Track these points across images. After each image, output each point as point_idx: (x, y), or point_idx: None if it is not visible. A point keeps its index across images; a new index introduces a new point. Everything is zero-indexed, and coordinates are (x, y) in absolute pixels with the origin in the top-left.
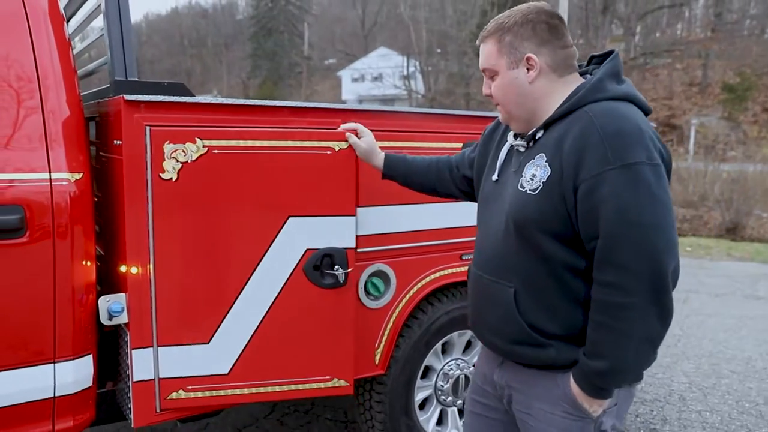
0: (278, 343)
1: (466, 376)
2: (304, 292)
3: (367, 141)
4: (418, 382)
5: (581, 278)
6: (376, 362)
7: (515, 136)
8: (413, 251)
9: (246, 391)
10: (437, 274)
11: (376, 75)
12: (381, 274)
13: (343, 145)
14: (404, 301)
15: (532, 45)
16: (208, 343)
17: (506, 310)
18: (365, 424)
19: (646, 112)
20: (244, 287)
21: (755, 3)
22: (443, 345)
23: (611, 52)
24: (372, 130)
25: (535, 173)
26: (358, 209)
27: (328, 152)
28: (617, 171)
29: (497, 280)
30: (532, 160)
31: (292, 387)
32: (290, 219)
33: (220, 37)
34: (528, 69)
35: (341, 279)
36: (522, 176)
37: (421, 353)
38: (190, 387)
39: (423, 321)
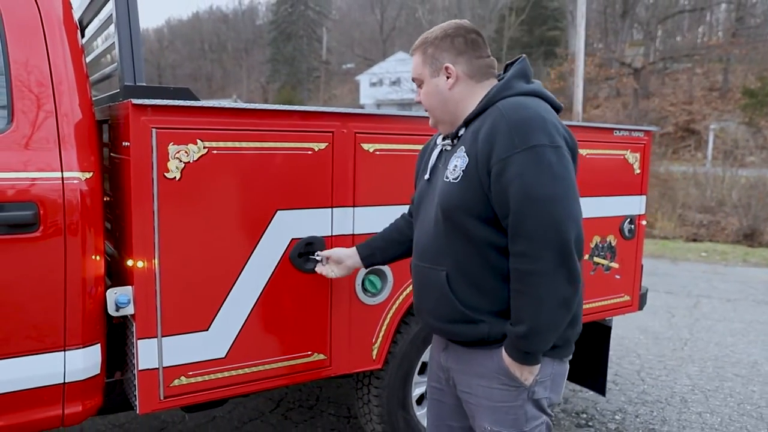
0: (267, 324)
1: None
2: (289, 278)
3: (339, 266)
4: (416, 377)
5: (505, 256)
6: (374, 357)
7: (443, 139)
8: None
9: (240, 371)
10: None
11: (395, 79)
12: (378, 272)
13: (322, 146)
14: (401, 298)
15: (450, 56)
16: (207, 330)
17: (441, 292)
18: (364, 418)
19: (556, 107)
20: (239, 276)
21: None
22: None
23: (519, 57)
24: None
25: (457, 164)
26: (355, 209)
27: (309, 152)
28: (522, 153)
29: (432, 266)
30: (455, 154)
31: (279, 364)
32: (278, 212)
33: (240, 42)
34: (447, 77)
35: (323, 263)
36: (447, 169)
37: (419, 349)
38: (191, 372)
39: (418, 319)
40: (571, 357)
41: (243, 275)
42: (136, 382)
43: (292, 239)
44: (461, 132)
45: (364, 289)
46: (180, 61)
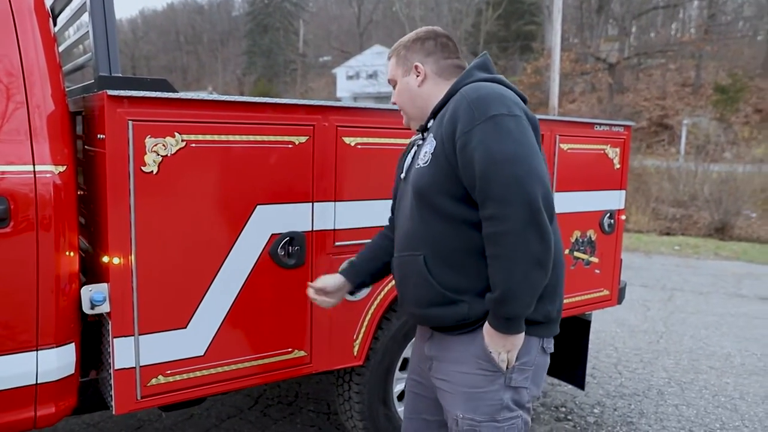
0: (247, 321)
1: None
2: (269, 274)
3: (332, 296)
4: (397, 373)
5: (476, 230)
6: (355, 353)
7: (416, 134)
8: None
9: (220, 369)
10: None
11: (371, 72)
12: None
13: (302, 139)
14: (383, 294)
15: (420, 56)
16: (186, 327)
17: (420, 277)
18: (344, 414)
19: (520, 97)
20: (218, 272)
21: (748, 5)
22: None
23: (482, 54)
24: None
25: (426, 149)
26: (336, 203)
27: (290, 146)
28: (482, 123)
29: (410, 253)
30: (426, 142)
31: (259, 362)
32: (258, 207)
33: (216, 34)
34: (417, 75)
35: (302, 259)
36: (418, 158)
37: (400, 345)
38: (168, 371)
39: (401, 314)
40: (552, 346)
41: (222, 271)
42: (112, 382)
43: (272, 234)
44: (430, 123)
45: None
46: (154, 53)
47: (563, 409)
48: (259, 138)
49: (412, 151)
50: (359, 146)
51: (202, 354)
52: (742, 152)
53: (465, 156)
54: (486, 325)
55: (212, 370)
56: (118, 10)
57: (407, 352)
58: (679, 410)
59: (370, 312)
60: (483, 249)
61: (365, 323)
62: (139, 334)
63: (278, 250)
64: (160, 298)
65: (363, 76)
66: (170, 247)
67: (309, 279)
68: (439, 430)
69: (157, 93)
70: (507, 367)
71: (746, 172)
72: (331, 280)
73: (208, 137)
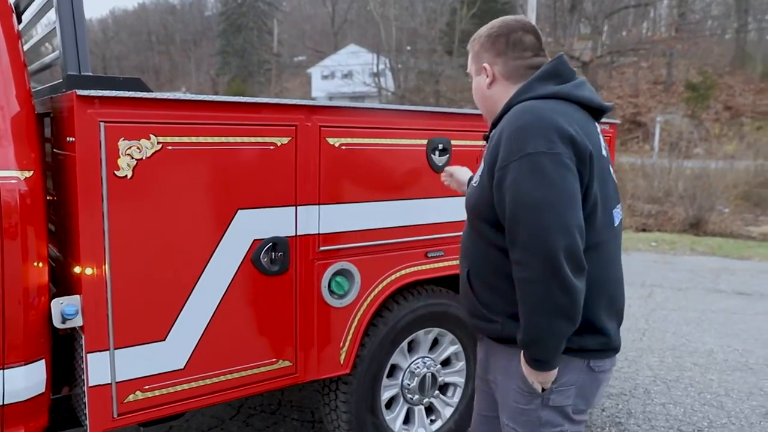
0: (229, 331)
1: (432, 375)
2: (252, 281)
3: (457, 179)
4: (384, 380)
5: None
6: (341, 362)
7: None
8: (378, 249)
9: (201, 383)
10: (402, 272)
11: (346, 72)
12: (345, 273)
13: (285, 140)
14: (369, 299)
15: (490, 56)
16: (165, 339)
17: (465, 288)
18: (331, 424)
19: (595, 107)
20: (198, 281)
21: (716, 4)
22: (409, 343)
23: (556, 56)
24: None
25: (480, 168)
26: (321, 207)
27: (271, 147)
28: (518, 161)
29: (462, 263)
30: (483, 157)
31: (243, 373)
32: (239, 212)
33: (189, 34)
34: (486, 77)
35: (286, 265)
36: (476, 173)
37: (387, 352)
38: (147, 386)
39: (389, 319)
40: (605, 364)
41: (202, 280)
42: (86, 400)
43: (255, 240)
44: (491, 134)
45: (331, 291)
46: (126, 53)
47: None
48: (239, 139)
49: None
50: (344, 147)
51: (182, 367)
52: (713, 148)
53: (500, 192)
54: (521, 355)
55: (193, 384)
56: (87, 10)
57: (394, 359)
58: (667, 409)
59: (357, 318)
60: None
61: (352, 330)
62: (115, 348)
63: (261, 256)
64: (136, 310)
65: (338, 75)
66: (146, 255)
67: (293, 286)
68: (494, 425)
69: (131, 93)
70: (543, 390)
71: (718, 168)
72: (463, 179)
73: (186, 139)
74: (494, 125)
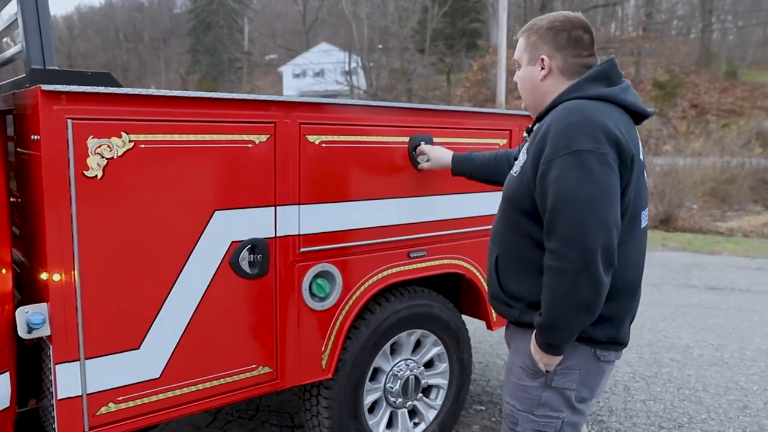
0: (207, 338)
1: (416, 377)
2: (230, 285)
3: (432, 158)
4: (367, 384)
5: (543, 250)
6: (323, 366)
7: (526, 131)
8: (360, 250)
9: (178, 392)
10: (385, 273)
11: (318, 71)
12: (326, 275)
13: (263, 138)
14: (351, 301)
15: (549, 49)
16: (139, 348)
17: (491, 271)
18: (312, 430)
19: (638, 112)
20: (173, 285)
21: (681, 4)
22: (392, 345)
23: (609, 58)
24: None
25: (521, 158)
26: (301, 207)
27: (249, 145)
28: (565, 157)
29: (491, 246)
30: (524, 148)
31: (221, 381)
32: (216, 213)
33: (157, 32)
34: (541, 68)
35: (265, 267)
36: (517, 162)
37: (370, 355)
38: (120, 398)
39: (371, 322)
40: (611, 356)
41: (178, 284)
42: (55, 413)
43: (233, 242)
44: (536, 126)
45: (312, 294)
46: (93, 51)
47: None
48: (215, 137)
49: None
50: (324, 144)
51: (158, 376)
52: (681, 146)
53: (542, 185)
54: (532, 335)
55: (170, 393)
56: (52, 6)
57: (377, 362)
58: (647, 406)
59: (338, 322)
60: (541, 267)
61: (333, 334)
62: (86, 359)
63: (239, 259)
64: (108, 318)
65: (310, 74)
66: (119, 259)
67: (273, 289)
68: None
69: (100, 88)
70: (547, 371)
71: (686, 165)
72: (439, 154)
73: (159, 137)
74: (539, 119)
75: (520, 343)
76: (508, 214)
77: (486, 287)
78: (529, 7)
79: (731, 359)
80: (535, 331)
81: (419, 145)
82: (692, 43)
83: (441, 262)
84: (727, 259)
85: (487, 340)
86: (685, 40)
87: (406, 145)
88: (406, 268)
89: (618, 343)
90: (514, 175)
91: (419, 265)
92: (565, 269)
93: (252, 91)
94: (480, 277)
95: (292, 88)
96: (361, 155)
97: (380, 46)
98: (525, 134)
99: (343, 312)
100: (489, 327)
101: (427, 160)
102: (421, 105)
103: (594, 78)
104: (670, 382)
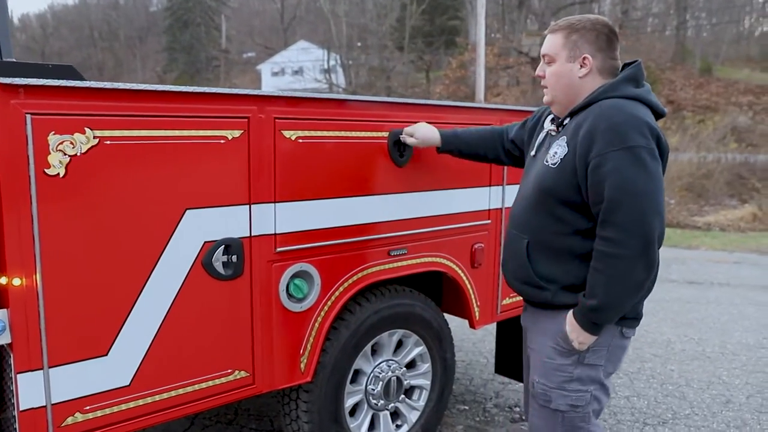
0: (180, 342)
1: (397, 378)
2: (203, 287)
3: (418, 137)
4: (348, 387)
5: (580, 236)
6: (302, 370)
7: (551, 122)
8: (338, 248)
9: (150, 400)
10: (364, 272)
11: (297, 69)
12: (304, 275)
13: (236, 133)
14: (330, 302)
15: (592, 48)
16: (107, 354)
17: (520, 257)
18: None
19: (658, 112)
20: (143, 288)
21: (656, 2)
22: (373, 346)
23: (635, 61)
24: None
25: (557, 151)
26: (277, 205)
27: (222, 141)
28: (620, 151)
29: (518, 233)
30: (557, 141)
31: (196, 387)
32: (187, 212)
33: (133, 30)
34: (581, 66)
35: (240, 268)
36: (548, 153)
37: (350, 357)
38: (87, 407)
39: (351, 322)
40: (632, 331)
41: (148, 287)
42: (17, 425)
43: (205, 242)
44: (566, 121)
45: (290, 295)
46: (67, 50)
47: (518, 409)
48: (185, 133)
49: (543, 133)
50: (300, 140)
51: (128, 384)
52: None
53: (596, 176)
54: (570, 316)
55: (140, 401)
56: (25, 4)
57: (358, 364)
58: (631, 402)
59: (317, 323)
60: (580, 253)
61: (312, 336)
62: (49, 367)
63: (213, 259)
64: (73, 323)
65: (288, 72)
66: (84, 262)
67: (249, 290)
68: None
69: (62, 81)
70: (580, 350)
71: None
72: (426, 132)
73: (126, 133)
74: (572, 113)
75: (550, 324)
76: (542, 203)
77: (515, 271)
78: (507, 4)
79: (713, 353)
80: (572, 311)
81: (398, 138)
82: (667, 40)
83: (422, 260)
84: (706, 254)
85: (470, 338)
86: (660, 37)
87: (386, 141)
88: (387, 266)
89: (639, 317)
90: (552, 166)
91: (400, 264)
92: (623, 255)
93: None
94: (462, 275)
95: (270, 87)
96: (340, 151)
97: (359, 44)
98: (550, 125)
99: (322, 313)
100: (472, 325)
101: (413, 138)
102: (401, 99)
103: (628, 79)
104: (653, 378)
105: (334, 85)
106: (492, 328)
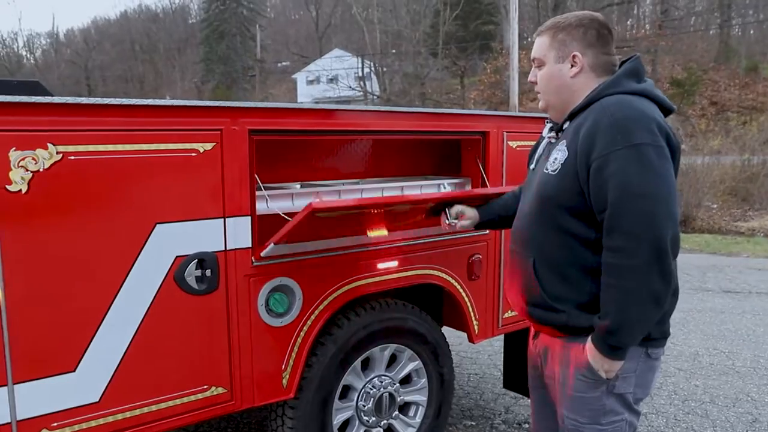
0: (152, 358)
1: (390, 394)
2: (176, 302)
3: (470, 218)
4: (337, 403)
5: (591, 250)
6: (284, 385)
7: (549, 130)
8: (321, 262)
9: (120, 416)
10: (350, 286)
11: (332, 77)
12: (284, 289)
13: (208, 146)
14: (313, 316)
15: (580, 45)
16: (75, 370)
17: (527, 277)
18: None
19: (666, 107)
20: (111, 304)
21: (699, 0)
22: (364, 361)
23: (633, 56)
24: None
25: (557, 157)
26: (253, 218)
27: (194, 154)
28: (624, 150)
29: (523, 251)
30: (557, 147)
31: (170, 403)
32: (158, 226)
33: (173, 42)
34: (572, 65)
35: (215, 283)
36: (548, 161)
37: (338, 372)
38: (55, 424)
39: (338, 337)
40: (660, 352)
41: (117, 302)
42: None
43: (177, 257)
44: (565, 125)
45: (269, 310)
46: (109, 63)
47: (527, 426)
48: (154, 147)
49: (544, 143)
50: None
51: (97, 400)
52: (699, 144)
53: (599, 179)
54: (590, 342)
55: (110, 418)
56: (70, 20)
57: (347, 380)
58: (648, 419)
59: (300, 338)
60: (591, 266)
61: (295, 351)
62: (15, 383)
63: (185, 274)
64: (39, 339)
65: (323, 80)
66: (49, 278)
67: (225, 305)
68: (553, 421)
69: (22, 97)
70: (608, 378)
71: (705, 164)
72: (470, 211)
73: (92, 148)
74: (572, 116)
75: (570, 353)
76: (546, 215)
77: (523, 294)
78: (542, 7)
79: (743, 368)
80: (591, 337)
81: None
82: (711, 39)
83: (414, 273)
84: (747, 261)
85: (486, 350)
86: (703, 36)
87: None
88: (375, 280)
89: (666, 336)
90: (552, 173)
91: (389, 277)
92: (634, 266)
93: (266, 98)
94: (459, 287)
95: (305, 95)
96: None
97: (393, 51)
98: (549, 133)
99: (305, 328)
100: (471, 340)
101: (462, 218)
102: (373, 107)
103: (629, 74)
104: (675, 394)
105: (369, 93)
106: None
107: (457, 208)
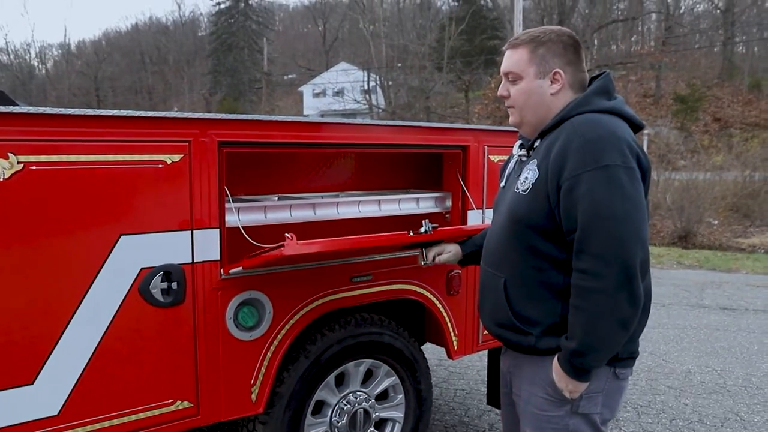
0: (115, 371)
1: (365, 410)
2: (140, 314)
3: (450, 252)
4: (309, 419)
5: (561, 271)
6: (253, 400)
7: (520, 147)
8: (292, 275)
9: (80, 430)
10: (322, 300)
11: (338, 90)
12: (254, 302)
13: (176, 158)
14: (284, 331)
15: (561, 62)
16: (33, 383)
17: (497, 297)
18: None
19: (636, 125)
20: (72, 316)
21: (703, 18)
22: (338, 377)
23: (603, 72)
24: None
25: (527, 176)
26: (222, 230)
27: (160, 166)
28: (594, 172)
29: (494, 271)
30: (527, 166)
31: (132, 417)
32: (122, 238)
33: (182, 54)
34: (552, 82)
35: (181, 295)
36: (518, 180)
37: (311, 387)
38: None
39: (311, 351)
40: (627, 372)
41: (78, 314)
42: None
43: (142, 269)
44: (536, 143)
45: (238, 324)
46: (119, 74)
47: None
48: (120, 158)
49: (513, 161)
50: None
51: (57, 413)
52: (702, 160)
53: (569, 200)
54: (555, 362)
55: (71, 431)
56: (81, 32)
57: (321, 395)
58: None
59: (270, 351)
60: (560, 288)
61: (264, 366)
62: None
63: (150, 286)
64: None
65: (329, 93)
66: (7, 288)
67: (191, 318)
68: None
69: None
70: (572, 398)
71: (707, 180)
72: (451, 247)
73: (54, 158)
74: (542, 134)
75: (536, 372)
76: (517, 235)
77: (492, 314)
78: (547, 22)
79: (734, 386)
80: (557, 357)
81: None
82: (714, 56)
83: (390, 287)
84: (745, 277)
85: (475, 365)
86: (707, 53)
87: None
88: (348, 294)
89: (634, 357)
90: (523, 193)
91: (363, 291)
92: (602, 288)
93: (272, 111)
94: (437, 303)
95: (312, 108)
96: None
97: (399, 65)
98: (519, 151)
99: (275, 342)
100: (449, 355)
101: (441, 255)
102: (330, 120)
103: (599, 92)
104: (663, 413)
105: (374, 106)
106: None
107: (435, 250)
